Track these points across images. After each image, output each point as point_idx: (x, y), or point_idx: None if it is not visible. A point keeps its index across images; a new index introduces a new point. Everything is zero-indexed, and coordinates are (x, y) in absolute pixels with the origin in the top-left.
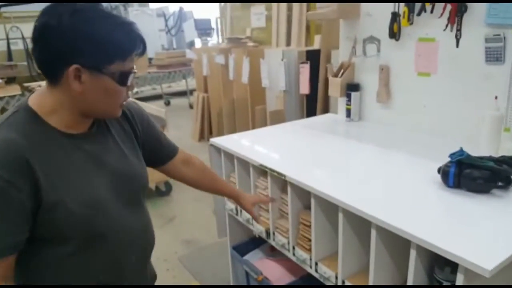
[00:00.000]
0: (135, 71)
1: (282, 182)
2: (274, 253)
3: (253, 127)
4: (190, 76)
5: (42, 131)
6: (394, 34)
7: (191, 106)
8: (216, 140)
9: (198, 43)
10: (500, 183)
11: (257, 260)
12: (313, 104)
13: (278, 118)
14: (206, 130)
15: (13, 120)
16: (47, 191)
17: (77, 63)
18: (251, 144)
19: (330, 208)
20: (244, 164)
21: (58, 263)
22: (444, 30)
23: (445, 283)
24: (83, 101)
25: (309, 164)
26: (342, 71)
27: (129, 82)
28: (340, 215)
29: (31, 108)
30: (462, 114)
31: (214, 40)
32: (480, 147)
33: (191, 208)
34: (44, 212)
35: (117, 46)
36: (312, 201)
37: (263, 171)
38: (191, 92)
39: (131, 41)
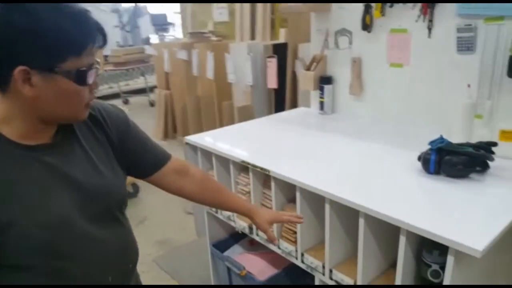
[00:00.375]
0: (97, 66)
1: (263, 177)
2: (253, 247)
3: (221, 124)
4: (148, 73)
5: None
6: (367, 26)
7: (151, 104)
8: (192, 138)
9: (154, 39)
10: (478, 168)
11: (238, 255)
12: (281, 98)
13: (246, 113)
14: (170, 128)
15: None
16: None
17: (23, 64)
18: (228, 141)
19: (315, 200)
20: (223, 161)
21: None
22: (416, 21)
23: (434, 266)
24: (38, 107)
25: (289, 158)
26: (314, 64)
27: (90, 80)
28: (327, 206)
29: None
30: (435, 103)
31: (171, 35)
32: (454, 135)
33: (161, 208)
34: None
35: (68, 40)
36: (298, 194)
37: (243, 167)
38: (151, 89)
39: (85, 32)
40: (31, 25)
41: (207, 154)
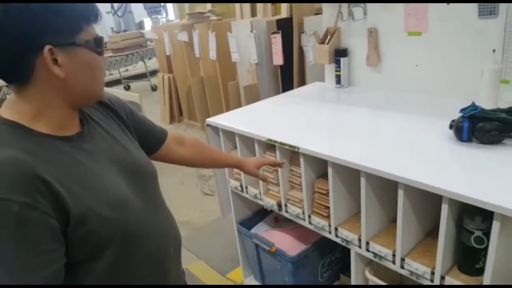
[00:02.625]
0: (102, 36)
1: (290, 154)
2: (278, 224)
3: (227, 104)
4: (147, 57)
5: (36, 141)
6: None
7: (152, 88)
8: (213, 119)
9: (147, 23)
10: (511, 133)
11: (264, 232)
12: (288, 75)
13: (253, 92)
14: (176, 111)
15: None
16: (71, 204)
17: (46, 43)
18: (250, 120)
19: (347, 174)
20: (245, 140)
21: (102, 280)
22: None
23: (476, 232)
24: (69, 88)
25: (315, 134)
26: (328, 37)
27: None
28: (363, 180)
29: (10, 120)
30: (456, 70)
31: (164, 17)
32: (479, 101)
33: (178, 191)
34: (75, 228)
35: (78, 9)
36: (330, 169)
37: (268, 145)
38: (151, 73)
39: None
40: (45, 3)
41: (230, 135)
